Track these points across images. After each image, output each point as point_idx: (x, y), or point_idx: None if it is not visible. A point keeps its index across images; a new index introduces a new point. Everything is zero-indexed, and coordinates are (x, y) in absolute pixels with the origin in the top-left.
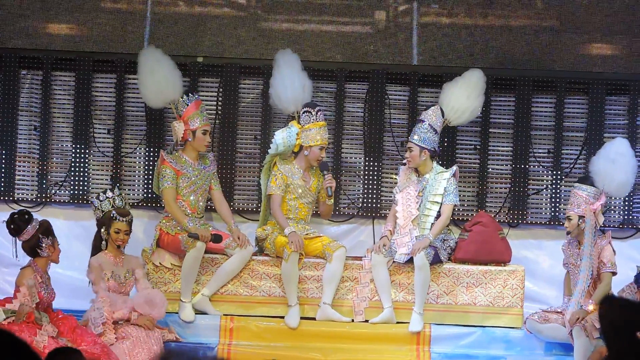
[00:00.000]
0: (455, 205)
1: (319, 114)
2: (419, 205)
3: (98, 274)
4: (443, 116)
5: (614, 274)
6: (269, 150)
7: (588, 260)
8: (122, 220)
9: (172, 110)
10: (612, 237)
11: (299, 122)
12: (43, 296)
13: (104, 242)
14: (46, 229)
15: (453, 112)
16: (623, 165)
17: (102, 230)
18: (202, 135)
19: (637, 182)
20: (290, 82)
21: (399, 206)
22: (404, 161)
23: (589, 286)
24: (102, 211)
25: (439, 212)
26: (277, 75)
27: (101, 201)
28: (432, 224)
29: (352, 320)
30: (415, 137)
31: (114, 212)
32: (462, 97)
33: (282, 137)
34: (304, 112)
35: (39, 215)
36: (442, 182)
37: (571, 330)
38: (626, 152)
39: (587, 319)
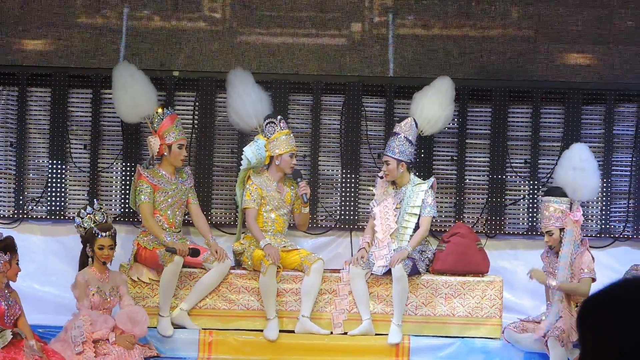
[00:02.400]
0: (433, 217)
1: (281, 122)
2: (397, 218)
3: (82, 290)
4: (417, 127)
5: (593, 280)
6: (241, 167)
7: (566, 271)
8: (105, 236)
9: (147, 126)
10: (590, 246)
11: (264, 135)
12: (4, 309)
13: (90, 259)
14: (7, 245)
15: (426, 122)
16: (590, 171)
17: (87, 248)
18: (177, 150)
19: (615, 192)
20: (248, 98)
21: (377, 220)
22: (381, 174)
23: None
24: (84, 228)
25: (417, 223)
26: (233, 94)
27: (82, 218)
28: (410, 235)
29: (331, 333)
30: (391, 150)
31: (95, 228)
32: (434, 107)
33: (252, 152)
34: (267, 124)
35: (15, 231)
36: (419, 193)
37: (546, 341)
38: (589, 156)
39: (563, 329)
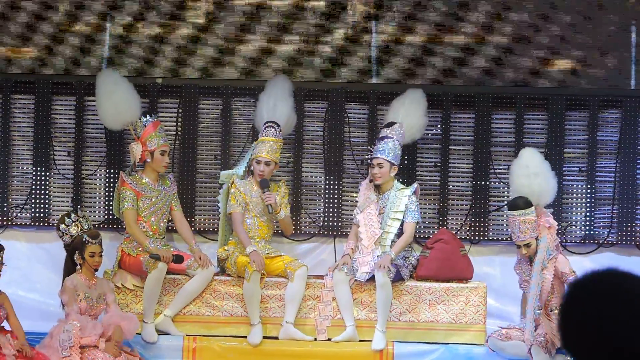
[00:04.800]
0: (417, 223)
1: (269, 129)
2: (381, 224)
3: (71, 296)
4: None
5: None
6: (220, 191)
7: (538, 277)
8: (95, 243)
9: (131, 132)
10: (574, 252)
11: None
12: None
13: (78, 266)
14: None
15: (409, 129)
16: (546, 172)
17: (76, 255)
18: (160, 156)
19: (599, 197)
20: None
21: (362, 227)
22: (367, 179)
23: (547, 300)
24: (71, 236)
25: (399, 229)
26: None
27: (67, 226)
28: (392, 241)
29: (315, 339)
30: (386, 153)
31: (85, 236)
32: (416, 115)
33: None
34: (266, 126)
35: (0, 238)
36: (403, 199)
37: (530, 349)
38: (540, 159)
39: (546, 336)
